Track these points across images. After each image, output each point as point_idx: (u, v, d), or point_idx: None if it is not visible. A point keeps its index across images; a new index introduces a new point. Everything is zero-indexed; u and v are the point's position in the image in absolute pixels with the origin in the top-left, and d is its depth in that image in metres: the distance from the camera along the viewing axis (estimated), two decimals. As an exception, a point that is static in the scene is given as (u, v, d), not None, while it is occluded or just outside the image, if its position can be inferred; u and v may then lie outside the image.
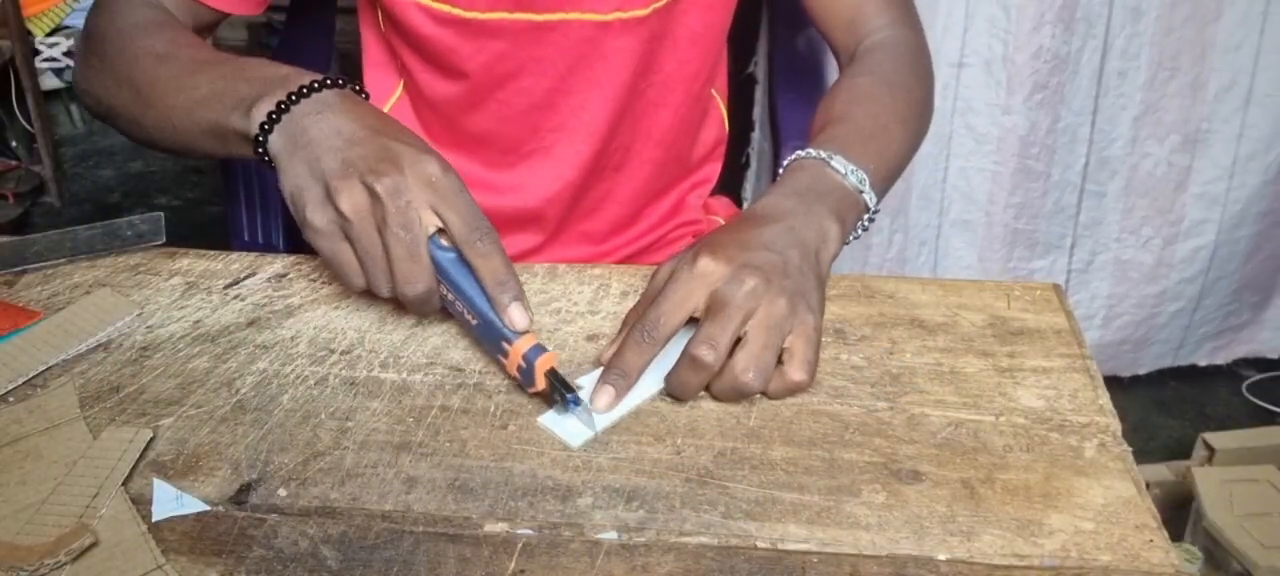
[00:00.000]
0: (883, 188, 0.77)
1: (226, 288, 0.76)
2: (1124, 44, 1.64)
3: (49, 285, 0.76)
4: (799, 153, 0.75)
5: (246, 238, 1.08)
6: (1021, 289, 0.75)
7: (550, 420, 0.62)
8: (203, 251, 0.80)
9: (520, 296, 0.63)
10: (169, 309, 0.74)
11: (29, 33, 2.56)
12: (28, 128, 2.54)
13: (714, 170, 1.05)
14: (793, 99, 1.15)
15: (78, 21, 2.72)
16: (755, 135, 1.76)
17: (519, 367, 0.63)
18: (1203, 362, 1.97)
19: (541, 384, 0.63)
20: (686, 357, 0.62)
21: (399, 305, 0.72)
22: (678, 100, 0.94)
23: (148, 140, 0.79)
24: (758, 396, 0.64)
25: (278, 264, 0.78)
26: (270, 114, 0.67)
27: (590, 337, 0.70)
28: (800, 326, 0.63)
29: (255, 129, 0.67)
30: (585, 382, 0.65)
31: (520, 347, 0.63)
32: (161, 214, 0.83)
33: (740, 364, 0.62)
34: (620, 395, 0.63)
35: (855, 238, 0.74)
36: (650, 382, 0.65)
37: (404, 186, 0.62)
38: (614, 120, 0.91)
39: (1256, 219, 1.80)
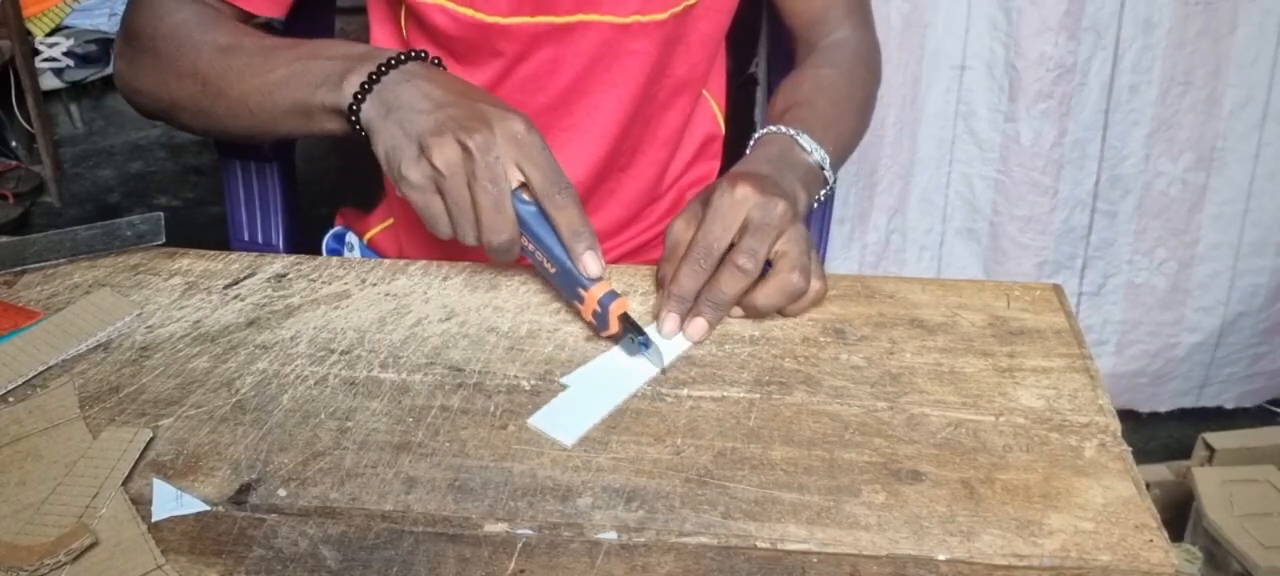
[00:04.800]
0: (836, 168, 0.85)
1: (226, 288, 0.76)
2: (1135, 57, 1.57)
3: (49, 285, 0.76)
4: (768, 128, 0.82)
5: (246, 238, 1.08)
6: (1021, 289, 0.75)
7: (540, 420, 0.63)
8: (203, 251, 0.80)
9: (594, 246, 0.68)
10: (169, 309, 0.74)
11: (29, 33, 2.55)
12: (28, 128, 2.54)
13: (713, 167, 1.06)
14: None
15: (78, 21, 2.70)
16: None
17: (594, 312, 0.68)
18: (1230, 405, 1.83)
19: (615, 327, 0.68)
20: (729, 265, 0.69)
21: (399, 306, 0.73)
22: (684, 102, 0.97)
23: (216, 127, 0.83)
24: (756, 398, 0.65)
25: (277, 264, 0.78)
26: (363, 84, 0.71)
27: (589, 338, 0.70)
28: (813, 257, 0.72)
29: (348, 99, 0.71)
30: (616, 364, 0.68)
31: (595, 293, 0.68)
32: (161, 214, 0.83)
33: (787, 267, 0.70)
34: (682, 319, 0.70)
35: (811, 210, 0.82)
36: (643, 376, 0.66)
37: (493, 143, 0.67)
38: (627, 121, 0.92)
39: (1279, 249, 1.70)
